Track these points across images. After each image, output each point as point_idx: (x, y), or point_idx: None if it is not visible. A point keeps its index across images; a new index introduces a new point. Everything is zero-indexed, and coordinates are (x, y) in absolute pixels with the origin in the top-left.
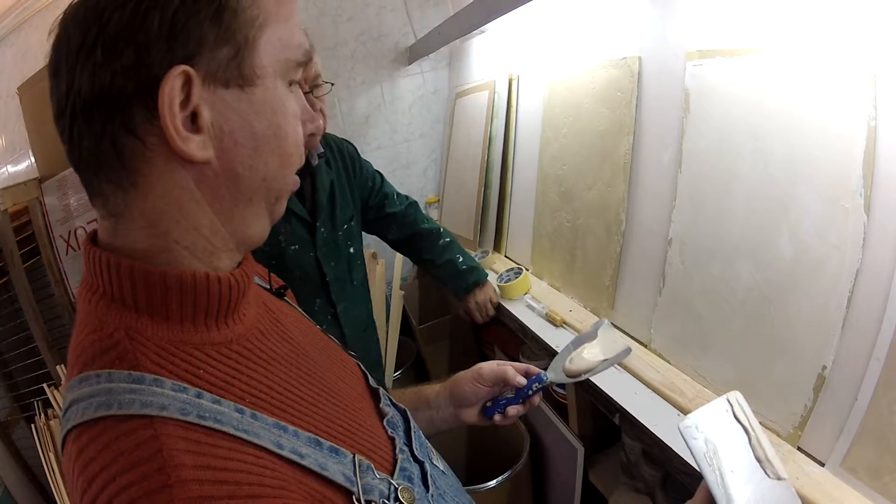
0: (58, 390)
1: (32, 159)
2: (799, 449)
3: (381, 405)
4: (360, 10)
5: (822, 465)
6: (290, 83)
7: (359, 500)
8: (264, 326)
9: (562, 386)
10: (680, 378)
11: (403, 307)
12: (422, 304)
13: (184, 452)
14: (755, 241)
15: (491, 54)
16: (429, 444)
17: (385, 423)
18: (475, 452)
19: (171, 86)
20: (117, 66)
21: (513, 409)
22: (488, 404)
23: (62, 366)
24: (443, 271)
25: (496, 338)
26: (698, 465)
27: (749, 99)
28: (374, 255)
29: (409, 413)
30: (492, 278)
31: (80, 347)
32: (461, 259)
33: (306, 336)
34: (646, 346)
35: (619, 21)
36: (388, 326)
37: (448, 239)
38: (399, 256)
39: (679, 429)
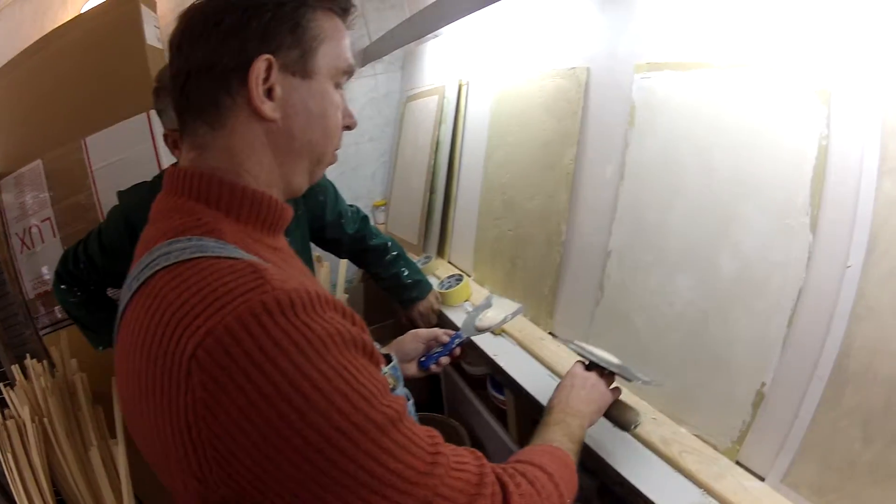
0: (13, 390)
1: None
2: (738, 463)
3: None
4: None
5: (762, 479)
6: (337, 85)
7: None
8: (293, 257)
9: (477, 361)
10: None
11: None
12: (367, 307)
13: (268, 268)
14: (696, 256)
15: (443, 59)
16: None
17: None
18: None
19: (259, 66)
20: (227, 50)
21: (444, 360)
22: (422, 359)
23: (16, 366)
24: (388, 283)
25: None
26: (578, 349)
27: (697, 113)
28: (319, 259)
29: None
30: (433, 283)
31: (168, 228)
32: (406, 273)
33: (315, 281)
34: None
35: (569, 31)
36: None
37: (395, 253)
38: (343, 260)
39: (571, 345)
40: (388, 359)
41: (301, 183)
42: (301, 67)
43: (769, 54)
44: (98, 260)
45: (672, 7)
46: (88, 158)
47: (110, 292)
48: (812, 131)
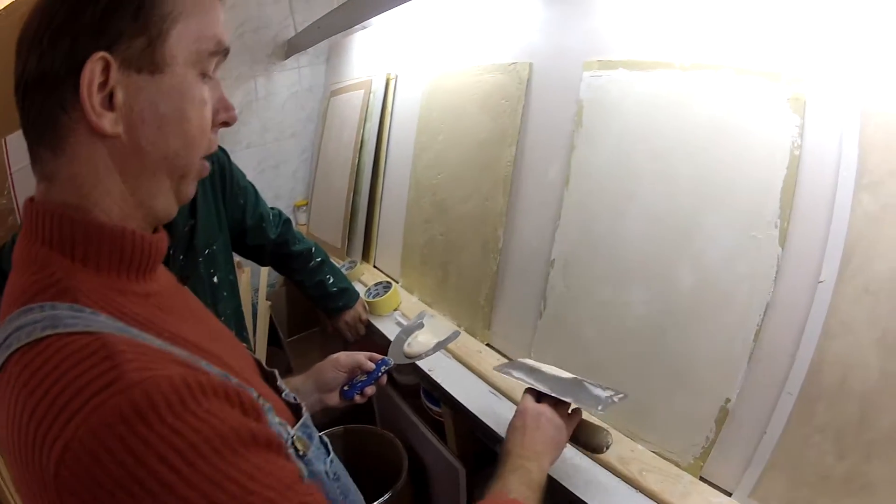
0: None
1: None
2: (702, 479)
3: (277, 383)
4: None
5: (729, 494)
6: (204, 74)
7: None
8: (174, 292)
9: (411, 366)
10: None
11: (271, 317)
12: (290, 313)
13: (123, 344)
14: (652, 267)
15: (371, 51)
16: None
17: (283, 395)
18: (353, 470)
19: (92, 69)
20: (57, 53)
21: (369, 389)
22: (346, 388)
23: None
24: (313, 292)
25: (364, 350)
26: (519, 379)
27: (654, 116)
28: (239, 265)
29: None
30: (360, 290)
31: (21, 287)
32: (332, 280)
33: (207, 316)
34: None
35: (510, 23)
36: (254, 339)
37: (319, 259)
38: None
39: (494, 370)
40: (298, 412)
41: (166, 206)
42: (148, 60)
43: (738, 56)
44: (8, 271)
45: (628, 1)
46: (8, 159)
47: None
48: (783, 140)
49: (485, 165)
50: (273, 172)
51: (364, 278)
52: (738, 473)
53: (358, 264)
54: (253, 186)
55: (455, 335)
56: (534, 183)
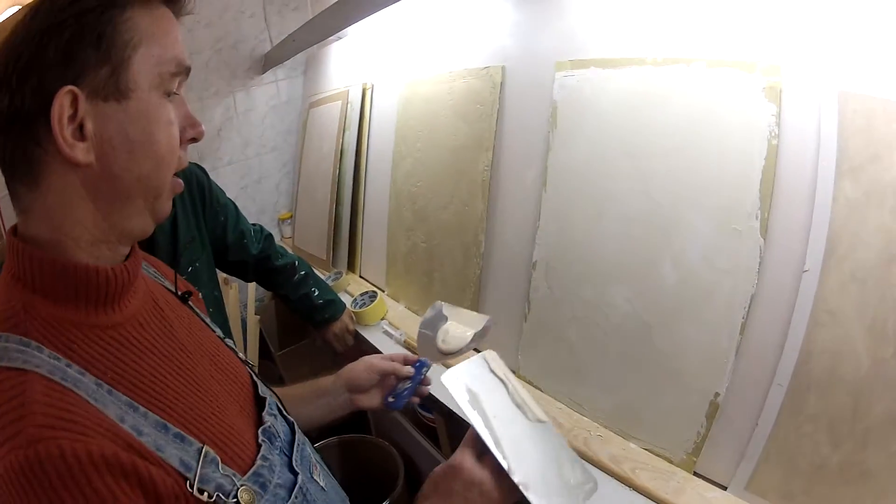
0: None
1: None
2: (696, 474)
3: (263, 413)
4: (219, 16)
5: (725, 488)
6: (168, 94)
7: (191, 486)
8: (146, 319)
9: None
10: (554, 406)
11: (261, 331)
12: (280, 327)
13: (40, 394)
14: (632, 266)
15: (348, 62)
16: (315, 460)
17: (260, 430)
18: (349, 480)
19: (61, 103)
20: (27, 90)
21: (414, 399)
22: (390, 399)
23: None
24: (299, 305)
25: (353, 360)
26: (463, 412)
27: (629, 113)
28: (226, 281)
29: (297, 426)
30: (346, 300)
31: None
32: (317, 293)
33: (193, 337)
34: (514, 372)
35: (482, 28)
36: (245, 355)
37: (303, 272)
38: None
39: (441, 380)
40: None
41: (142, 225)
42: (113, 88)
43: (711, 48)
44: None
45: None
46: None
47: None
48: (760, 130)
49: (462, 171)
50: (256, 187)
51: (350, 289)
52: (731, 467)
53: (343, 275)
54: (233, 203)
55: (490, 322)
56: (512, 187)
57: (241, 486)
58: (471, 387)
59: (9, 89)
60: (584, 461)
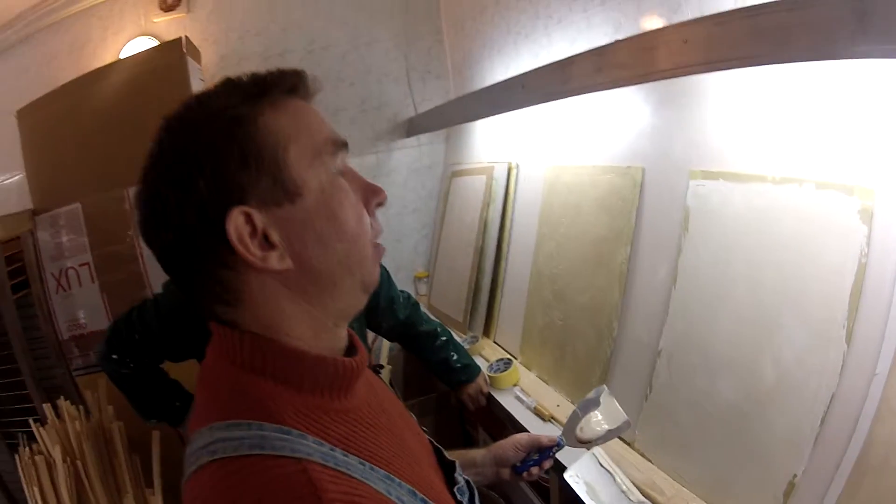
0: (44, 428)
1: (27, 188)
2: None
3: (455, 475)
4: (362, 77)
5: None
6: (337, 172)
7: None
8: (370, 400)
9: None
10: (660, 476)
11: (390, 381)
12: (407, 379)
13: (328, 482)
14: (739, 360)
15: (491, 138)
16: None
17: (456, 489)
18: None
19: (235, 226)
20: (196, 230)
21: (535, 470)
22: (518, 464)
23: (48, 405)
24: (438, 368)
25: (481, 419)
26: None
27: (748, 227)
28: None
29: (472, 483)
30: (481, 364)
31: (220, 402)
32: (455, 357)
33: (395, 408)
34: (629, 445)
35: (623, 127)
36: None
37: (445, 338)
38: None
39: (565, 478)
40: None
41: (354, 302)
42: (281, 193)
43: (818, 171)
44: (155, 327)
45: (727, 115)
46: (131, 209)
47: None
48: (853, 249)
49: (601, 261)
50: (395, 246)
51: (485, 353)
52: None
53: (479, 339)
54: (386, 270)
55: (626, 425)
56: (645, 280)
57: None
58: (588, 481)
59: (175, 234)
60: None
